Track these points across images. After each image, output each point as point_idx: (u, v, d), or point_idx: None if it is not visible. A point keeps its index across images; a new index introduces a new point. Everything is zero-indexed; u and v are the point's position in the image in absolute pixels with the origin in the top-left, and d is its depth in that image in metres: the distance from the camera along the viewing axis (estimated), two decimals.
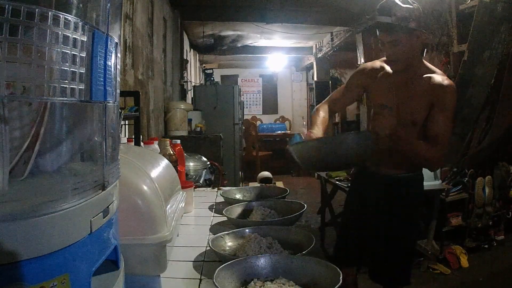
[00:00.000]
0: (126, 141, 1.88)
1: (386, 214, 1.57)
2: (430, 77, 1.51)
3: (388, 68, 1.63)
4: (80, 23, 0.49)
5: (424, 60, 1.58)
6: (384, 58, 1.66)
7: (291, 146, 1.45)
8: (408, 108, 1.54)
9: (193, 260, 1.09)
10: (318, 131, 1.58)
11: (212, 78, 6.48)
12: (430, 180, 3.00)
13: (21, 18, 0.41)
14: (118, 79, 0.63)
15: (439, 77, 1.51)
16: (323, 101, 1.77)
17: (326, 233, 3.71)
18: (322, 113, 1.68)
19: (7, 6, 0.40)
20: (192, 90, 5.94)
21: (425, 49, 1.62)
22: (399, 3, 1.45)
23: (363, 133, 1.38)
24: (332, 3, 5.10)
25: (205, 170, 2.87)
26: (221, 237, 1.14)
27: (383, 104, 1.61)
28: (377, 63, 1.69)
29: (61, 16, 0.46)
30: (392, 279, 1.58)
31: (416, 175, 1.60)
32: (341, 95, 1.77)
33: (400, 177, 1.57)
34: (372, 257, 1.65)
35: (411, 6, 1.47)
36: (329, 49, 7.13)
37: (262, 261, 0.93)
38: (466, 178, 3.29)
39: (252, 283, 0.87)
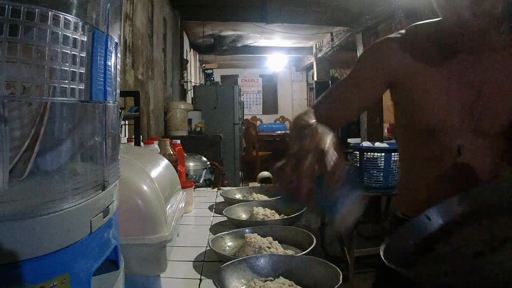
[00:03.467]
0: (126, 141, 1.88)
1: None
2: None
3: (432, 51, 0.86)
4: (80, 23, 0.49)
5: None
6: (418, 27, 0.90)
7: None
8: (500, 108, 0.84)
9: (193, 260, 1.09)
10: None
11: (212, 78, 6.49)
12: None
13: (21, 18, 0.41)
14: (118, 79, 0.63)
15: None
16: (315, 119, 0.85)
17: (326, 233, 3.71)
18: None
19: (7, 6, 0.40)
20: (192, 90, 5.94)
21: None
22: None
23: None
24: (332, 3, 5.10)
25: (205, 170, 2.87)
26: (221, 237, 1.14)
27: (446, 115, 0.85)
28: (406, 40, 0.90)
29: (61, 16, 0.46)
30: None
31: None
32: (347, 103, 0.94)
33: None
34: None
35: None
36: (329, 49, 7.14)
37: (262, 261, 0.93)
38: None
39: (252, 283, 0.87)
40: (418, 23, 0.92)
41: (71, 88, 0.48)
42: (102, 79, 0.54)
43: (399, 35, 0.91)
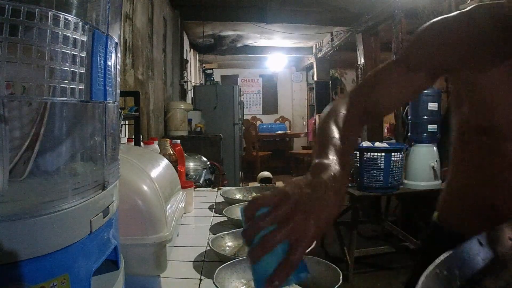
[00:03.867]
0: (126, 141, 1.88)
1: None
2: None
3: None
4: (80, 23, 0.49)
5: None
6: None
7: None
8: None
9: (193, 260, 1.09)
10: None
11: (212, 78, 6.49)
12: (430, 180, 3.00)
13: (21, 18, 0.41)
14: (118, 79, 0.63)
15: None
16: (353, 102, 0.77)
17: (326, 233, 3.70)
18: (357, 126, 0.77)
19: (7, 6, 0.40)
20: (192, 90, 5.94)
21: None
22: None
23: None
24: (332, 3, 5.10)
25: (205, 170, 2.87)
26: (221, 237, 1.14)
27: (499, 115, 0.73)
28: (470, 23, 0.75)
29: (61, 16, 0.45)
30: None
31: None
32: (398, 89, 0.80)
33: None
34: None
35: None
36: (329, 49, 7.14)
37: None
38: None
39: (252, 283, 0.87)
40: (485, 3, 0.77)
41: (71, 88, 0.48)
42: (102, 79, 0.54)
43: (460, 16, 0.77)
